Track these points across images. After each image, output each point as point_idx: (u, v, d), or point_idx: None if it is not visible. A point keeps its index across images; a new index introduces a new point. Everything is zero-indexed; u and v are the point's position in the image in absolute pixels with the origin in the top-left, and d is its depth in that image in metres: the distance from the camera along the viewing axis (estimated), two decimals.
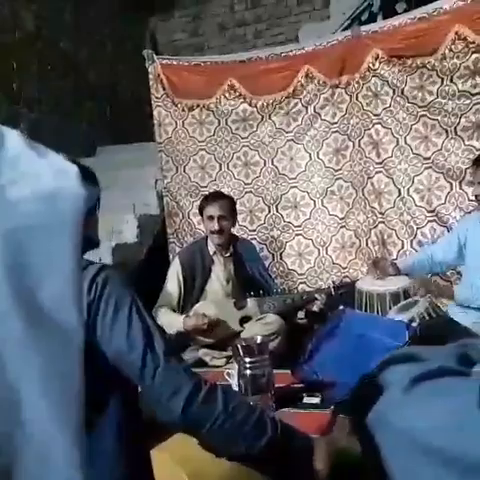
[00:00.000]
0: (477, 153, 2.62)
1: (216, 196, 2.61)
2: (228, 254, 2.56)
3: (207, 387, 0.91)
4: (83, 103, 3.98)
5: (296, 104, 3.21)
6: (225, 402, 0.91)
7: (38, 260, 0.41)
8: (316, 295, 2.44)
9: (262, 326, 2.31)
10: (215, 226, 2.46)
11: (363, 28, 3.05)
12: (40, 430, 0.40)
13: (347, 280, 2.91)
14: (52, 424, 0.40)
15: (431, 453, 0.40)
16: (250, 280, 2.55)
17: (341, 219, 3.15)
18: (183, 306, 2.46)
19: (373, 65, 2.99)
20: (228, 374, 1.93)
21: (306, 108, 3.19)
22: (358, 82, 3.04)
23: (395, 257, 2.89)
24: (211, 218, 2.48)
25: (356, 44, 3.02)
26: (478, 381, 0.45)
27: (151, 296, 2.53)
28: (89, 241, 1.09)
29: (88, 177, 1.04)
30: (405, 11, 3.72)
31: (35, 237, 0.42)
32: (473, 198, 2.46)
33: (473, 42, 2.68)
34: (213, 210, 2.48)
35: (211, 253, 2.54)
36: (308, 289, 3.01)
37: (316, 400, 1.79)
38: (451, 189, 2.82)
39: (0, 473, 0.39)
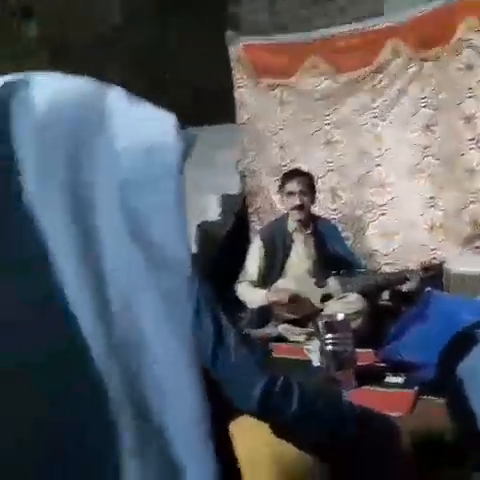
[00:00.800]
0: None
1: (296, 172, 2.62)
2: (308, 231, 2.56)
3: (282, 380, 0.89)
4: (167, 87, 4.09)
5: (381, 79, 3.09)
6: (300, 395, 0.89)
7: (150, 206, 0.45)
8: (407, 275, 2.37)
9: (343, 304, 2.29)
10: (296, 201, 2.48)
11: None
12: (157, 349, 0.44)
13: (435, 262, 2.78)
14: (167, 345, 0.44)
15: None
16: (331, 258, 2.52)
17: (430, 198, 3.01)
18: (264, 283, 2.48)
19: (466, 35, 2.81)
20: (307, 350, 1.93)
21: (392, 83, 3.07)
22: (449, 54, 2.88)
23: None
24: (291, 194, 2.50)
25: (447, 14, 2.86)
26: None
27: (232, 273, 2.59)
28: None
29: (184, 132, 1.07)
30: None
31: (144, 186, 0.46)
32: None
33: None
34: (293, 186, 2.50)
35: (291, 231, 2.55)
36: (392, 270, 2.92)
37: (399, 380, 1.76)
38: None
39: (134, 408, 0.42)
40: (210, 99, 3.89)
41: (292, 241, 2.54)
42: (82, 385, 0.42)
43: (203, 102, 4.05)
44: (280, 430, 0.92)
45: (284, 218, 2.61)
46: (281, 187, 2.59)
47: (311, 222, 2.58)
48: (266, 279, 2.49)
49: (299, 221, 2.52)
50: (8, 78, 0.45)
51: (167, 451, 0.43)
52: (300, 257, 2.53)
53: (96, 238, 0.43)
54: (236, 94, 3.46)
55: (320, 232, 2.58)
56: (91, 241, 0.43)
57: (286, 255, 2.51)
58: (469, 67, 2.84)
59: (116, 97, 0.47)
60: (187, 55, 3.98)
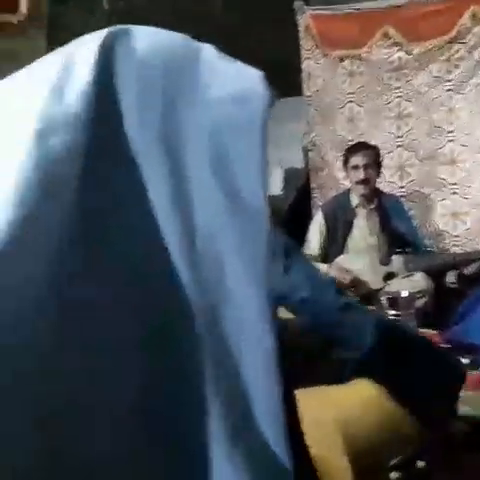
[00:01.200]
0: None
1: (360, 145, 2.59)
2: (372, 207, 2.51)
3: (386, 321, 0.94)
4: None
5: (459, 49, 2.93)
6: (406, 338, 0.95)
7: (235, 153, 0.47)
8: (474, 257, 2.28)
9: (408, 282, 2.24)
10: (361, 175, 2.44)
11: None
12: (238, 289, 0.46)
13: None
14: (247, 289, 0.46)
15: None
16: (396, 235, 2.47)
17: None
18: (326, 258, 2.47)
19: None
20: None
21: (470, 54, 2.90)
22: None
23: None
24: (356, 167, 2.46)
25: None
26: None
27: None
28: None
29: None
30: None
31: (232, 133, 0.48)
32: None
33: None
34: (358, 159, 2.46)
35: (354, 206, 2.51)
36: (462, 252, 2.80)
37: (465, 361, 1.71)
38: None
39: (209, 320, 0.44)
40: (276, 70, 3.83)
41: (355, 216, 2.50)
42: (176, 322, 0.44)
43: (269, 73, 4.00)
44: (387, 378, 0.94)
45: (347, 193, 2.58)
46: (346, 161, 2.55)
47: (375, 197, 2.53)
48: (328, 253, 2.48)
49: (363, 196, 2.48)
50: (111, 28, 0.48)
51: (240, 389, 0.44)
52: (362, 233, 2.50)
53: (188, 190, 0.46)
54: (303, 65, 3.39)
55: (384, 208, 2.53)
56: (183, 194, 0.45)
57: (348, 230, 2.49)
58: None
59: (209, 51, 0.51)
60: (253, 24, 3.93)
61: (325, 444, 1.02)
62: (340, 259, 2.41)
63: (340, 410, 1.04)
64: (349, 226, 2.49)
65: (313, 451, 0.96)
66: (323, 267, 2.35)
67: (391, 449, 1.06)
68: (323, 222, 2.50)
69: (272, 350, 0.44)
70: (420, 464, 1.07)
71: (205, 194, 0.46)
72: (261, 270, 0.46)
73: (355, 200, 2.51)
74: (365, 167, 2.44)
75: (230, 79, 0.50)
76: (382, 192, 2.63)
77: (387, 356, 0.93)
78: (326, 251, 2.50)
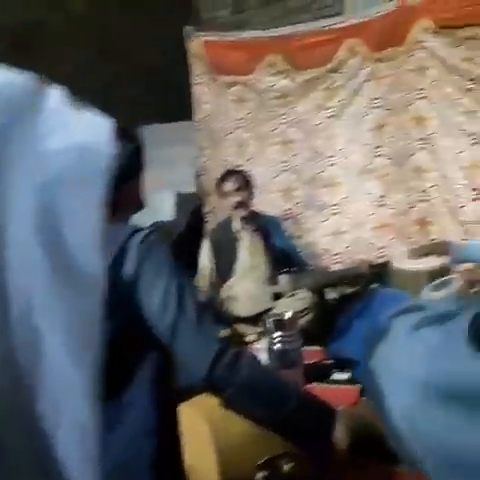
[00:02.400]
0: None
1: (229, 172, 2.67)
2: (254, 228, 2.59)
3: (233, 351, 0.95)
4: (124, 83, 4.03)
5: (337, 79, 3.13)
6: (250, 366, 0.95)
7: (67, 211, 0.43)
8: (354, 273, 2.42)
9: (293, 302, 2.31)
10: (236, 198, 2.51)
11: None
12: (57, 372, 0.42)
13: (383, 260, 2.84)
14: (70, 376, 0.42)
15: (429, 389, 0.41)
16: (279, 255, 2.55)
17: (380, 198, 3.07)
18: (216, 283, 2.50)
19: (420, 37, 2.87)
20: (256, 349, 1.94)
21: (347, 83, 3.11)
22: (403, 55, 2.93)
23: (435, 238, 2.81)
24: (229, 193, 2.53)
25: (402, 15, 2.90)
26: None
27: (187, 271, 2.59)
28: (135, 204, 1.18)
29: (126, 136, 1.11)
30: None
31: (66, 189, 0.44)
32: None
33: None
34: (229, 185, 2.54)
35: (236, 230, 2.57)
36: (343, 268, 2.97)
37: (345, 376, 1.79)
38: None
39: (20, 409, 0.41)
40: (168, 96, 3.86)
41: (238, 240, 2.56)
42: None
43: (161, 98, 4.01)
44: (228, 402, 0.96)
45: (228, 219, 2.64)
46: (219, 190, 2.62)
47: (255, 219, 2.61)
48: (218, 279, 2.50)
49: (243, 219, 2.54)
50: None
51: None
52: (248, 255, 2.56)
53: (1, 241, 0.41)
54: (193, 90, 3.44)
55: (265, 228, 2.61)
56: None
57: (234, 255, 2.54)
58: (421, 68, 2.89)
59: (55, 98, 0.47)
60: (144, 49, 3.93)
61: (200, 455, 1.10)
62: (229, 284, 2.45)
63: (214, 415, 1.09)
64: (235, 250, 2.54)
65: (189, 462, 1.00)
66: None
67: (259, 449, 1.10)
68: (210, 251, 2.54)
69: (89, 431, 0.42)
70: (287, 466, 1.10)
71: (24, 259, 0.41)
72: (91, 352, 0.42)
73: (237, 225, 2.57)
74: (237, 190, 2.52)
75: (75, 130, 0.46)
76: (259, 214, 2.71)
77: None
78: (217, 277, 2.53)
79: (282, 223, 2.87)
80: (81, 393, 0.42)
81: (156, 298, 0.93)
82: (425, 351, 0.43)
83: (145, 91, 4.05)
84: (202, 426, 1.12)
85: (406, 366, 0.44)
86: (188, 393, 1.16)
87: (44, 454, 0.41)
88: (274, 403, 0.95)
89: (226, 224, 2.62)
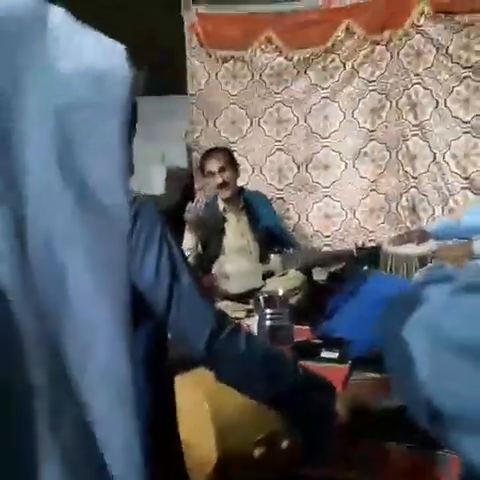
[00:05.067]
0: None
1: (212, 150, 2.60)
2: (240, 207, 2.55)
3: (231, 326, 0.92)
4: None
5: (333, 60, 3.10)
6: (248, 341, 0.92)
7: (88, 140, 0.40)
8: (342, 255, 2.44)
9: (284, 281, 2.33)
10: (218, 180, 2.45)
11: None
12: (85, 308, 0.40)
13: (373, 244, 2.87)
14: (98, 304, 0.40)
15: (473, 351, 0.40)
16: (267, 233, 2.53)
17: (372, 182, 3.08)
18: (205, 264, 2.47)
19: (418, 21, 2.86)
20: (247, 325, 1.95)
21: (344, 64, 3.08)
22: (400, 39, 2.92)
23: (425, 224, 2.84)
24: (212, 173, 2.47)
25: None
26: None
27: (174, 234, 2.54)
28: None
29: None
30: None
31: (85, 116, 0.41)
32: None
33: None
34: (211, 165, 2.47)
35: (221, 210, 2.53)
36: (332, 250, 2.99)
37: (334, 355, 1.81)
38: None
39: (47, 346, 0.39)
40: (161, 67, 3.78)
41: (224, 220, 2.52)
42: None
43: (154, 69, 3.93)
44: (226, 376, 0.94)
45: (213, 199, 2.58)
46: (202, 170, 2.55)
47: (241, 198, 2.56)
48: (206, 259, 2.47)
49: (227, 199, 2.49)
50: None
51: (84, 415, 0.39)
52: (236, 235, 2.52)
53: (20, 172, 0.38)
54: (188, 63, 3.37)
55: (252, 207, 2.57)
56: (13, 177, 0.38)
57: (220, 235, 2.49)
58: (418, 53, 2.89)
59: (61, 19, 0.42)
60: (140, 19, 3.83)
61: (197, 431, 1.08)
62: (219, 261, 2.43)
63: (213, 391, 1.08)
64: (221, 231, 2.50)
65: (185, 437, 0.99)
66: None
67: (256, 425, 1.10)
68: (194, 234, 2.47)
69: (127, 379, 0.40)
70: (284, 442, 1.10)
71: (44, 188, 0.38)
72: (118, 283, 0.41)
73: (222, 204, 2.53)
74: (220, 171, 2.45)
75: (85, 52, 0.42)
76: (246, 191, 2.67)
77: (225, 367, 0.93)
78: (204, 257, 2.48)
79: (270, 202, 2.84)
80: (111, 333, 0.41)
81: (148, 268, 0.90)
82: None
83: (136, 62, 3.95)
84: (199, 400, 1.11)
85: (455, 331, 0.43)
86: (184, 365, 1.14)
87: (70, 397, 0.39)
88: (271, 378, 0.93)
89: (212, 203, 2.56)
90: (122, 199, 0.42)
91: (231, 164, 2.51)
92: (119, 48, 0.43)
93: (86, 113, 0.41)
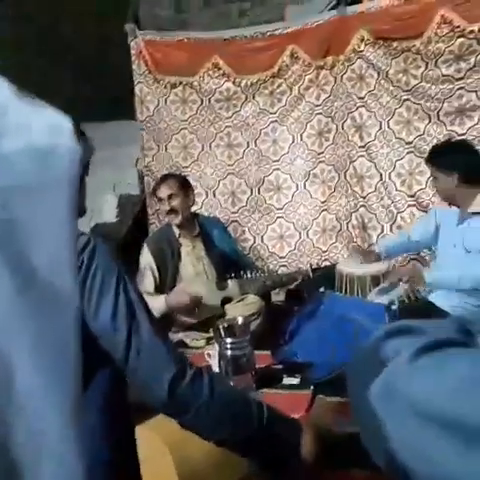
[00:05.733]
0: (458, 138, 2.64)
1: (163, 177, 2.60)
2: (195, 233, 2.54)
3: (193, 371, 0.90)
4: (63, 79, 3.88)
5: (280, 84, 3.18)
6: (211, 386, 0.90)
7: (32, 221, 0.39)
8: (298, 276, 2.46)
9: (243, 307, 2.32)
10: (166, 207, 2.45)
11: (349, 9, 3.01)
12: (32, 404, 0.38)
13: (327, 263, 2.93)
14: (45, 398, 0.39)
15: (439, 420, 0.40)
16: (223, 259, 2.53)
17: (323, 202, 3.16)
18: (162, 291, 2.44)
19: (358, 47, 2.96)
20: (208, 355, 1.93)
21: (290, 89, 3.16)
22: (343, 64, 3.02)
23: (375, 241, 2.92)
24: (161, 200, 2.47)
25: (342, 25, 2.99)
26: None
27: (130, 276, 2.50)
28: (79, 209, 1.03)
29: (80, 134, 1.00)
30: None
31: (29, 196, 0.39)
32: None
33: (458, 26, 2.67)
34: (161, 192, 2.47)
35: (177, 236, 2.51)
36: (288, 271, 3.03)
37: (295, 381, 1.81)
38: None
39: None
40: (112, 92, 3.75)
41: (180, 245, 2.50)
42: None
43: (103, 96, 3.90)
44: (189, 424, 0.92)
45: (169, 225, 2.56)
46: (154, 196, 2.55)
47: (196, 224, 2.56)
48: (162, 288, 2.44)
49: (180, 225, 2.49)
50: None
51: None
52: (191, 261, 2.51)
53: None
54: (136, 89, 3.36)
55: (207, 232, 2.57)
56: None
57: (177, 262, 2.47)
58: (360, 77, 2.99)
59: (7, 94, 0.41)
60: (89, 45, 3.80)
61: (160, 479, 1.05)
62: (177, 288, 2.40)
63: (174, 436, 1.04)
64: (177, 256, 2.48)
65: None
66: (161, 298, 2.32)
67: (224, 473, 1.08)
68: (152, 258, 2.44)
69: (79, 471, 0.39)
70: None
71: None
72: (68, 370, 0.39)
73: (176, 230, 2.51)
74: (169, 198, 2.45)
75: (31, 129, 0.40)
76: (203, 217, 2.68)
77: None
78: (161, 285, 2.45)
79: (225, 227, 2.85)
80: (60, 420, 0.39)
81: (104, 312, 0.87)
82: (455, 383, 0.40)
83: (84, 88, 3.91)
84: (162, 450, 1.07)
85: (417, 396, 0.43)
86: (144, 413, 1.10)
87: None
88: (237, 423, 0.91)
89: (167, 229, 2.54)
90: (70, 282, 0.40)
91: (183, 190, 2.49)
92: (67, 124, 0.42)
93: (30, 193, 0.39)
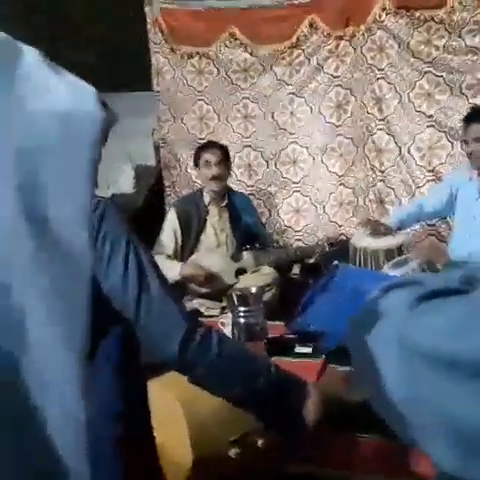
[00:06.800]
0: None
1: (212, 143, 2.61)
2: (223, 204, 2.56)
3: (202, 329, 0.92)
4: (79, 50, 3.86)
5: (299, 55, 3.12)
6: (220, 344, 0.92)
7: (52, 181, 0.40)
8: (315, 249, 2.47)
9: (257, 277, 2.34)
10: (213, 171, 2.46)
11: None
12: (43, 352, 0.40)
13: (343, 238, 2.91)
14: (55, 347, 0.40)
15: (441, 357, 0.41)
16: (246, 232, 2.55)
17: (340, 176, 3.12)
18: (180, 256, 2.47)
19: (379, 17, 2.89)
20: (222, 323, 1.95)
21: (308, 60, 3.11)
22: (363, 34, 2.95)
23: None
24: (208, 164, 2.47)
25: None
26: None
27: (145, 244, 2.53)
28: None
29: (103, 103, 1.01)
30: None
31: (50, 156, 0.40)
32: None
33: None
34: (209, 156, 2.48)
35: (206, 203, 2.54)
36: (303, 245, 3.02)
37: (308, 349, 1.82)
38: (452, 149, 2.79)
39: (2, 391, 0.39)
40: (127, 63, 3.73)
41: (207, 213, 2.53)
42: None
43: (119, 66, 3.87)
44: (199, 380, 0.94)
45: (199, 191, 2.59)
46: (197, 158, 2.55)
47: (226, 195, 2.59)
48: (182, 252, 2.47)
49: (215, 193, 2.51)
50: None
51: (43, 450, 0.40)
52: (215, 230, 2.53)
53: None
54: (153, 60, 3.34)
55: (235, 205, 2.59)
56: None
57: (201, 228, 2.50)
58: (381, 49, 2.92)
59: (32, 59, 0.42)
60: (103, 15, 3.76)
61: (172, 432, 1.08)
62: (195, 257, 2.43)
63: (186, 393, 1.06)
64: (202, 224, 2.51)
65: (161, 440, 0.99)
66: (177, 266, 2.35)
67: (231, 425, 1.10)
68: (176, 221, 2.48)
69: (82, 423, 0.40)
70: (260, 441, 1.10)
71: (4, 234, 0.38)
72: (80, 332, 0.40)
73: (207, 198, 2.54)
74: (217, 164, 2.47)
75: (54, 92, 0.42)
76: (232, 190, 2.71)
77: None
78: (181, 250, 2.48)
79: (251, 202, 2.87)
80: (66, 376, 0.40)
81: (115, 272, 0.88)
82: (447, 325, 0.42)
83: (99, 59, 3.89)
84: (173, 403, 1.11)
85: (421, 340, 0.44)
86: (156, 370, 1.13)
87: (30, 436, 0.39)
88: (245, 381, 0.93)
89: (196, 196, 2.57)
90: (85, 240, 0.41)
91: (227, 161, 2.55)
92: (90, 90, 0.43)
93: (51, 154, 0.40)
